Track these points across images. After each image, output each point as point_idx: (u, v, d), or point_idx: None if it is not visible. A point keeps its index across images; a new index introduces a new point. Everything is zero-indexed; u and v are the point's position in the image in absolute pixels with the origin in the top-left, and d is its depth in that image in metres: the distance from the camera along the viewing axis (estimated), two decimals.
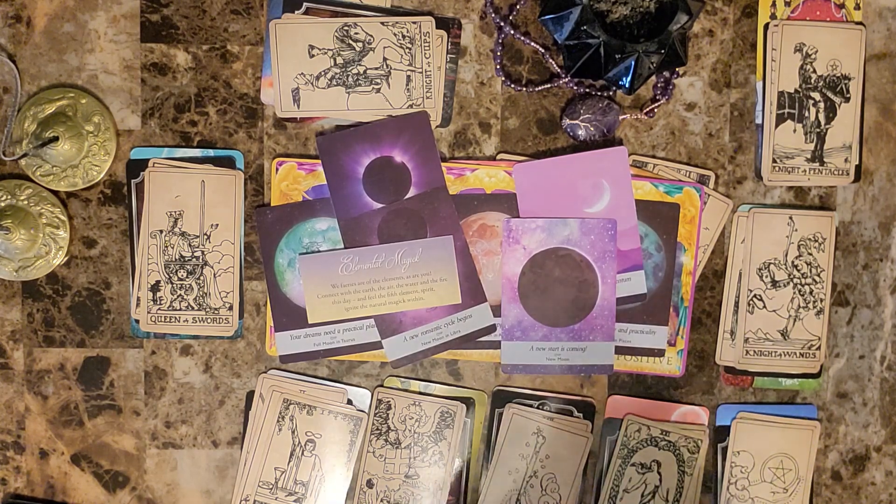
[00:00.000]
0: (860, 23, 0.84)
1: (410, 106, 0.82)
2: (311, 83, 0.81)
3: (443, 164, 0.82)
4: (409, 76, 0.81)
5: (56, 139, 0.80)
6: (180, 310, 0.82)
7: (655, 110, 0.83)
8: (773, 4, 0.83)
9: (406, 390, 0.84)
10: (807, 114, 0.84)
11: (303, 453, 0.83)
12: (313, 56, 0.81)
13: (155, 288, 0.82)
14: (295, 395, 0.83)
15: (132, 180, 0.82)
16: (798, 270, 0.84)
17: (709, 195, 0.84)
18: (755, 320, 0.84)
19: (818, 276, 0.84)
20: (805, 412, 0.86)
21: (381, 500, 0.83)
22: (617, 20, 0.79)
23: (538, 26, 0.83)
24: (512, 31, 0.82)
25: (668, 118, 0.84)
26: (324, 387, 0.83)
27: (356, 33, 0.81)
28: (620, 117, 0.83)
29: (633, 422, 0.84)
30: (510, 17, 0.82)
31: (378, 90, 0.81)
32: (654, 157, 0.84)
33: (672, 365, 0.84)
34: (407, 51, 0.81)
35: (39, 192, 0.81)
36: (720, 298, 0.85)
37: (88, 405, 0.83)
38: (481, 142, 0.83)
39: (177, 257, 0.82)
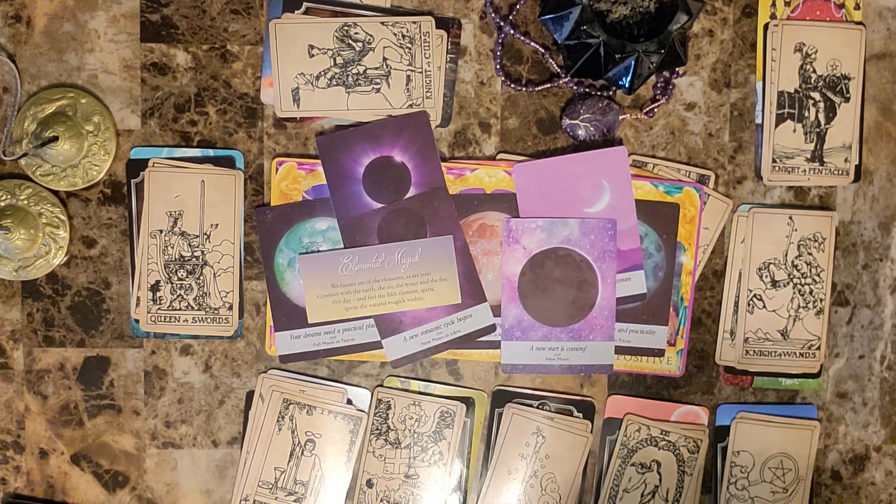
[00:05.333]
0: (860, 23, 0.84)
1: (410, 106, 0.82)
2: (311, 83, 0.81)
3: (443, 163, 0.82)
4: (408, 76, 0.81)
5: (56, 139, 0.80)
6: (180, 309, 0.82)
7: (655, 110, 0.83)
8: (773, 4, 0.83)
9: (406, 390, 0.84)
10: (807, 114, 0.84)
11: (303, 453, 0.83)
12: (313, 56, 0.81)
13: (155, 288, 0.82)
14: (295, 395, 0.83)
15: (132, 180, 0.82)
16: (798, 270, 0.84)
17: (709, 195, 0.84)
18: (755, 320, 0.84)
19: (818, 276, 0.84)
20: (805, 412, 0.86)
21: (381, 500, 0.83)
22: (617, 20, 0.79)
23: (538, 26, 0.83)
24: (512, 31, 0.82)
25: (668, 118, 0.84)
26: (324, 387, 0.83)
27: (356, 33, 0.81)
28: (620, 117, 0.83)
29: (633, 422, 0.84)
30: (510, 17, 0.82)
31: (378, 90, 0.81)
32: (654, 156, 0.84)
33: (672, 365, 0.84)
34: (407, 51, 0.81)
35: (39, 191, 0.81)
36: (720, 298, 0.85)
37: (88, 405, 0.83)
38: (481, 142, 0.83)
39: (177, 257, 0.82)
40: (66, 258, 0.82)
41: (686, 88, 0.84)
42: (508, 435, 0.83)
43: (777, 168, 0.84)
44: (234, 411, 0.84)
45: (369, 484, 0.84)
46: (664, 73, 0.83)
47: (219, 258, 0.82)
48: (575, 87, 0.83)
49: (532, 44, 0.82)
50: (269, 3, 0.81)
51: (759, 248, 0.84)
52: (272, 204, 0.82)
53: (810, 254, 0.84)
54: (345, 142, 0.81)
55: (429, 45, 0.81)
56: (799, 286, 0.84)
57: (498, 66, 0.82)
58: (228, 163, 0.82)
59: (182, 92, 0.82)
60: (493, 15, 0.82)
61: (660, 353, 0.84)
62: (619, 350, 0.83)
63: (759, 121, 0.84)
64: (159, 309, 0.82)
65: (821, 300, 0.85)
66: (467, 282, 0.82)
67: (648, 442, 0.84)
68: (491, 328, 0.82)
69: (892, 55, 0.85)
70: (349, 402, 0.84)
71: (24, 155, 0.80)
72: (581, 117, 0.81)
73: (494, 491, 0.84)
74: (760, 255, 0.84)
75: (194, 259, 0.82)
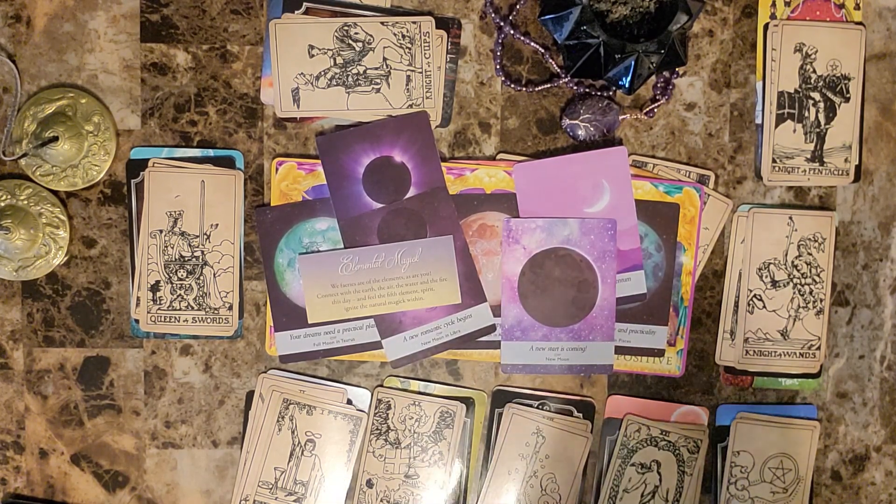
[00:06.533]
0: (860, 23, 0.84)
1: (410, 106, 0.82)
2: (311, 83, 0.81)
3: (443, 163, 0.82)
4: (408, 76, 0.81)
5: (56, 139, 0.80)
6: (180, 310, 0.82)
7: (655, 110, 0.83)
8: (773, 4, 0.83)
9: (406, 390, 0.84)
10: (807, 114, 0.84)
11: (302, 453, 0.83)
12: (313, 56, 0.81)
13: (155, 288, 0.82)
14: (295, 395, 0.83)
15: (132, 180, 0.82)
16: (798, 270, 0.84)
17: (708, 195, 0.84)
18: (755, 320, 0.84)
19: (818, 276, 0.84)
20: (805, 412, 0.86)
21: (381, 500, 0.83)
22: (617, 20, 0.79)
23: (538, 26, 0.83)
24: (512, 31, 0.82)
25: (668, 118, 0.84)
26: (323, 387, 0.83)
27: (356, 33, 0.81)
28: (620, 117, 0.83)
29: (633, 422, 0.84)
30: (510, 17, 0.82)
31: (378, 90, 0.81)
32: (653, 157, 0.84)
33: (672, 365, 0.84)
34: (407, 51, 0.81)
35: (39, 191, 0.81)
36: (720, 298, 0.85)
37: (88, 405, 0.83)
38: (481, 142, 0.83)
39: (177, 257, 0.82)
40: (66, 258, 0.82)
41: (686, 88, 0.84)
42: (508, 435, 0.83)
43: (777, 168, 0.84)
44: (234, 411, 0.84)
45: (369, 484, 0.84)
46: (664, 73, 0.83)
47: (219, 258, 0.82)
48: (575, 87, 0.83)
49: (532, 44, 0.82)
50: (269, 3, 0.81)
51: (759, 248, 0.84)
52: (272, 204, 0.82)
53: (810, 254, 0.84)
54: (345, 142, 0.81)
55: (429, 45, 0.81)
56: (799, 286, 0.84)
57: (498, 66, 0.82)
58: (228, 163, 0.82)
59: (182, 92, 0.82)
60: (493, 15, 0.82)
61: (660, 353, 0.84)
62: (619, 350, 0.83)
63: (759, 121, 0.84)
64: (159, 309, 0.82)
65: (821, 300, 0.85)
66: (467, 282, 0.82)
67: (648, 442, 0.84)
68: (491, 328, 0.82)
69: (892, 55, 0.85)
70: (349, 402, 0.84)
71: (24, 155, 0.80)
72: (581, 117, 0.81)
73: (494, 491, 0.84)
74: (760, 255, 0.84)
75: (194, 259, 0.82)
